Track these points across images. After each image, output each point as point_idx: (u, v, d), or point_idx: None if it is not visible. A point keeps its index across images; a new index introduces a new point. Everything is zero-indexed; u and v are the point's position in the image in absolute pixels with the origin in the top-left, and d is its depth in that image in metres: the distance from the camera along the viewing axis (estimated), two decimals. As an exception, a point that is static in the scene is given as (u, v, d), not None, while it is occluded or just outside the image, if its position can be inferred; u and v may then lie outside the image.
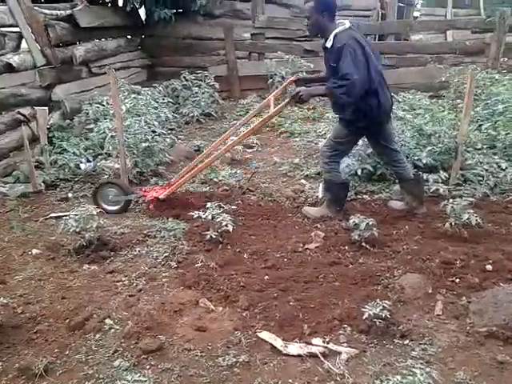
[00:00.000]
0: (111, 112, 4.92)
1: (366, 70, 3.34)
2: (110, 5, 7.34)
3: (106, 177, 4.34)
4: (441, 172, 4.19)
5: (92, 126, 4.88)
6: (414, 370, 2.15)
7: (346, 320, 2.52)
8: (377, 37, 10.79)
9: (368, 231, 3.26)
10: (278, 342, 2.34)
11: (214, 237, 3.25)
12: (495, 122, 4.84)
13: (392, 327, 2.47)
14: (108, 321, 2.49)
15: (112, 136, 4.35)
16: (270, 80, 7.76)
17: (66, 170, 4.46)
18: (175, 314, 2.58)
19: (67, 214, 3.79)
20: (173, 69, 8.45)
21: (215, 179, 4.40)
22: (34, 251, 3.25)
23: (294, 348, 2.31)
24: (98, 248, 3.21)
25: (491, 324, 2.47)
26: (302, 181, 4.54)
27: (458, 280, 2.91)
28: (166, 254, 3.16)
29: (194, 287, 2.80)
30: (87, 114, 5.21)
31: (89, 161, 4.69)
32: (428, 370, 2.16)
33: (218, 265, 3.04)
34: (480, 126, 5.05)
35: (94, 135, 4.68)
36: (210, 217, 3.22)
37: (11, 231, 3.60)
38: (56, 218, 3.83)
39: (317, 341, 2.37)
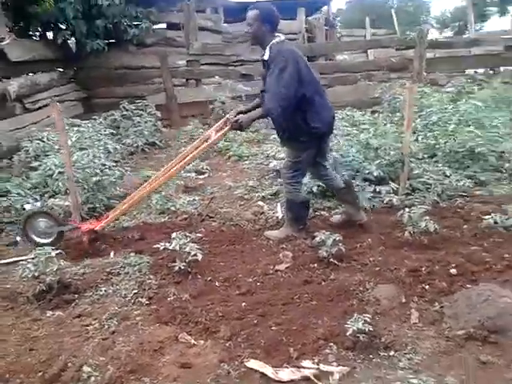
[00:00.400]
0: (55, 147, 4.72)
1: (298, 83, 3.36)
2: (39, 38, 7.09)
3: (34, 207, 4.12)
4: (391, 183, 4.36)
5: (34, 163, 4.63)
6: (410, 380, 2.17)
7: (331, 338, 2.52)
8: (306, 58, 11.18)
9: (335, 247, 3.30)
10: (268, 370, 2.29)
11: (182, 268, 3.16)
12: (433, 132, 5.10)
13: (375, 340, 2.49)
14: (86, 368, 2.32)
15: (60, 172, 4.14)
16: (211, 106, 7.79)
17: (12, 213, 4.18)
18: (156, 352, 2.46)
19: (19, 259, 3.55)
20: (109, 100, 8.32)
21: (172, 208, 4.29)
22: (-13, 303, 3.01)
23: (285, 374, 2.26)
24: (59, 292, 3.01)
25: (468, 326, 2.55)
26: (260, 203, 4.53)
27: (427, 286, 3.00)
28: (135, 291, 3.02)
29: (170, 323, 2.69)
30: (27, 151, 4.95)
31: (36, 200, 4.44)
32: (425, 378, 2.19)
33: (192, 296, 2.95)
34: (418, 136, 5.31)
35: (38, 173, 4.44)
36: (177, 247, 3.13)
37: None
38: (6, 264, 3.58)
39: (307, 363, 2.34)
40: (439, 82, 9.06)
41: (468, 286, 2.95)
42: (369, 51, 13.89)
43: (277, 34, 3.53)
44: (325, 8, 16.58)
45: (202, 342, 2.55)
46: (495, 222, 3.64)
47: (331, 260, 3.31)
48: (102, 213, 4.26)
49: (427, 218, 3.54)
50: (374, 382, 2.22)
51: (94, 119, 6.26)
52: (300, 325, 2.64)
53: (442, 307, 2.80)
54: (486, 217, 3.71)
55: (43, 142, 5.07)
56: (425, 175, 4.51)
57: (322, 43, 10.93)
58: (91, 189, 4.18)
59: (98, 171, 4.24)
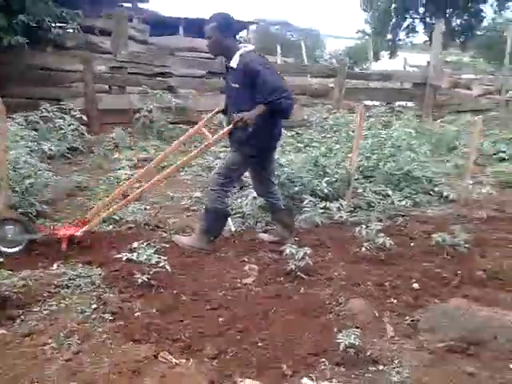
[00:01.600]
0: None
1: None
2: None
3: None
4: (340, 200, 4.42)
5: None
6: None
7: (321, 354, 2.41)
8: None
9: (303, 260, 3.23)
10: (266, 389, 2.12)
11: (145, 280, 2.86)
12: (372, 154, 5.29)
13: (361, 354, 2.43)
14: (57, 396, 1.97)
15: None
16: (138, 114, 7.42)
17: None
18: (135, 374, 2.15)
19: None
20: (23, 100, 7.56)
21: (115, 217, 3.93)
22: None
23: (288, 392, 2.11)
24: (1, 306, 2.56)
25: (447, 339, 2.59)
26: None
27: (395, 301, 3.02)
28: (94, 306, 2.66)
29: (144, 340, 2.39)
30: None
31: None
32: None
33: (160, 311, 2.67)
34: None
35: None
36: (142, 257, 2.83)
37: None
38: None
39: (306, 380, 2.20)
40: (355, 109, 9.57)
41: (434, 300, 3.02)
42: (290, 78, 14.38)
43: (243, 44, 3.52)
44: (243, 32, 17.00)
45: (184, 361, 2.29)
46: (443, 241, 3.81)
47: (298, 273, 3.22)
48: (33, 219, 3.78)
49: (382, 234, 3.63)
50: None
51: (12, 118, 5.60)
52: (285, 340, 2.49)
53: (413, 321, 2.82)
54: (434, 235, 3.87)
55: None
56: (366, 194, 4.65)
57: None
58: (22, 192, 3.68)
59: (31, 173, 3.75)
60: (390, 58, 30.45)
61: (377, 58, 29.81)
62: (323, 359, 2.37)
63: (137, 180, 3.76)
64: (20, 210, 3.64)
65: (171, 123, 7.71)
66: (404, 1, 25.84)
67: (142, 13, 9.94)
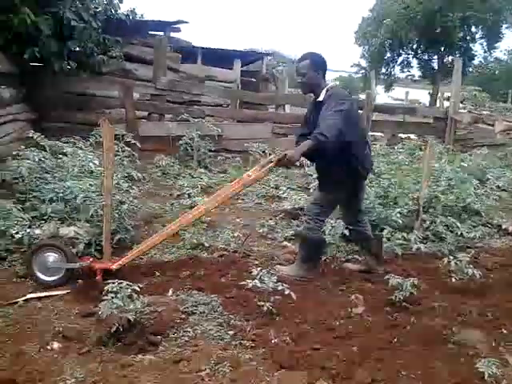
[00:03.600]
0: (55, 169, 4.17)
1: (352, 126, 3.44)
2: (4, 49, 6.36)
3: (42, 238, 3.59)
4: (414, 231, 4.51)
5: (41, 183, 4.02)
6: None
7: (466, 383, 2.45)
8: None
9: (407, 291, 3.28)
10: (436, 417, 2.15)
11: (268, 308, 2.89)
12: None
13: (498, 384, 2.48)
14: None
15: (86, 197, 3.63)
16: (180, 142, 7.52)
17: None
18: (300, 401, 2.19)
19: (49, 294, 3.03)
20: (62, 124, 7.65)
21: (206, 244, 3.97)
22: (55, 345, 2.46)
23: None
24: (140, 333, 2.58)
25: None
26: (285, 243, 4.39)
27: (504, 331, 3.09)
28: (232, 333, 2.69)
29: (294, 367, 2.43)
30: (20, 174, 4.28)
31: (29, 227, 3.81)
32: None
33: (292, 339, 2.70)
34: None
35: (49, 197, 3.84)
36: (269, 285, 2.88)
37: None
38: (38, 298, 3.00)
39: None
40: (379, 141, 9.77)
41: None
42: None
43: (328, 81, 3.65)
44: (258, 63, 17.33)
45: (340, 388, 2.33)
46: (526, 273, 3.90)
47: (403, 304, 3.27)
48: (129, 245, 3.81)
49: (471, 266, 3.70)
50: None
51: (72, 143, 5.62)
52: (424, 370, 2.54)
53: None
54: (512, 267, 3.95)
55: (35, 162, 4.45)
56: (436, 226, 4.74)
57: (287, 94, 11.24)
58: (118, 218, 3.71)
59: (125, 199, 3.80)
60: (386, 91, 31.31)
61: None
62: (470, 390, 2.41)
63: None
64: (119, 236, 3.67)
65: (210, 151, 7.80)
66: (399, 37, 26.66)
67: (173, 42, 10.14)
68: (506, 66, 32.97)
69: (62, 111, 7.74)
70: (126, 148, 6.21)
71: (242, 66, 14.84)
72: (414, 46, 28.55)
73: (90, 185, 3.71)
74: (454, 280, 3.66)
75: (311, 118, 3.67)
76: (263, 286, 2.90)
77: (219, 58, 15.38)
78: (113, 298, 2.50)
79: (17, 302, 2.95)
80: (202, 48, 15.01)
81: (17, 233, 3.70)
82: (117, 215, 3.67)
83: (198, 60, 14.86)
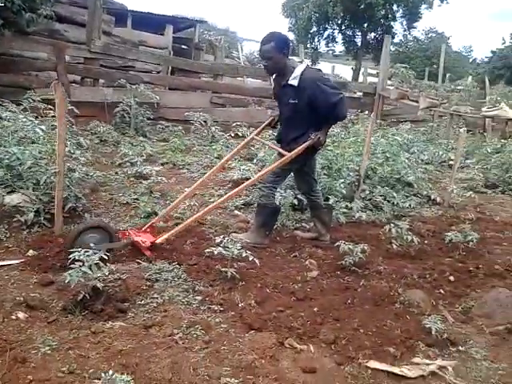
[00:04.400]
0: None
1: None
2: None
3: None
4: (356, 201, 4.77)
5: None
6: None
7: (415, 337, 2.69)
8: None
9: (357, 256, 3.51)
10: (395, 368, 2.37)
11: (232, 274, 2.98)
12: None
13: (442, 337, 2.75)
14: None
15: (34, 164, 3.45)
16: (118, 108, 7.26)
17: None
18: (273, 359, 2.31)
19: (7, 263, 2.91)
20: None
21: (159, 212, 3.94)
22: (20, 314, 2.38)
23: (413, 371, 2.37)
24: (107, 300, 2.56)
25: (505, 322, 3.00)
26: (236, 212, 4.47)
27: (442, 291, 3.41)
28: (199, 298, 2.75)
29: (263, 329, 2.54)
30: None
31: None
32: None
33: (257, 302, 2.82)
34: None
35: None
36: (233, 251, 2.95)
37: None
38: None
39: (417, 360, 2.48)
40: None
41: (468, 290, 3.42)
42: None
43: (296, 59, 3.71)
44: (189, 30, 16.90)
45: (305, 346, 2.48)
46: (456, 239, 4.27)
47: (353, 268, 3.49)
48: (81, 214, 3.70)
49: (410, 233, 4.01)
50: (474, 374, 2.45)
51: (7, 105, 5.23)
52: (377, 327, 2.75)
53: (463, 308, 3.20)
54: (448, 234, 4.32)
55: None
56: (375, 196, 5.04)
57: (222, 64, 11.07)
58: (68, 186, 3.58)
59: (75, 166, 3.66)
60: (312, 65, 31.96)
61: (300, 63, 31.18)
62: (418, 342, 2.66)
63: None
64: (70, 205, 3.55)
65: (149, 119, 7.62)
66: (325, 12, 27.19)
67: (106, 3, 9.63)
68: (423, 46, 34.71)
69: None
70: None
71: (173, 33, 14.45)
72: (340, 22, 29.20)
73: (39, 152, 3.51)
74: (394, 246, 3.95)
75: (279, 98, 3.78)
76: (228, 253, 2.97)
77: (149, 22, 14.84)
78: (80, 266, 2.45)
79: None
80: (132, 11, 14.38)
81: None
82: (68, 183, 3.54)
83: (127, 24, 14.24)
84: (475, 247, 4.18)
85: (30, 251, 3.12)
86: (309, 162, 3.87)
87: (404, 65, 11.67)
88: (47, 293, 2.68)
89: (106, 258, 2.62)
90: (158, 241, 3.20)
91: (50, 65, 7.65)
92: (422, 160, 7.65)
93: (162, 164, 5.86)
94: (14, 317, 2.37)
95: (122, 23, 13.98)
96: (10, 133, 3.90)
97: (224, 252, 2.96)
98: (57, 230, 3.38)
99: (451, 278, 3.62)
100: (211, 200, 4.62)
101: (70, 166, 3.72)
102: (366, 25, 28.35)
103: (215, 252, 2.97)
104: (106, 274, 2.55)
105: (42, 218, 3.47)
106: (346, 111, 3.70)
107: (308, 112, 3.60)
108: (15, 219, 3.41)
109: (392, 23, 28.77)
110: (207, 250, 3.08)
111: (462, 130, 5.74)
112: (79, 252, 2.53)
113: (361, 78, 23.77)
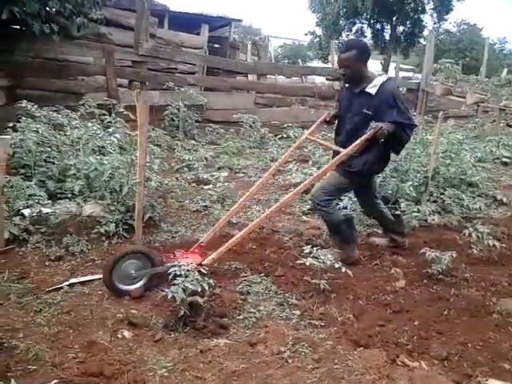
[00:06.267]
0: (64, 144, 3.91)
1: None
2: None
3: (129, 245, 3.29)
4: (427, 204, 4.61)
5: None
6: None
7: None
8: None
9: (443, 264, 3.37)
10: (515, 387, 2.24)
11: (325, 286, 2.89)
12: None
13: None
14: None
15: (112, 173, 3.43)
16: (167, 111, 7.25)
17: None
18: (386, 378, 2.21)
19: (94, 277, 2.89)
20: (39, 92, 7.15)
21: (232, 220, 3.89)
22: (126, 333, 2.35)
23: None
24: (207, 316, 2.51)
25: None
26: (304, 217, 4.38)
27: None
28: (297, 312, 2.67)
29: (370, 345, 2.45)
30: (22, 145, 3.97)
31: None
32: None
33: (355, 316, 2.72)
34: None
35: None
36: (326, 263, 2.86)
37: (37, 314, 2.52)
38: (80, 283, 2.85)
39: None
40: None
41: None
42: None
43: (378, 71, 3.53)
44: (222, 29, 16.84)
45: (417, 363, 2.37)
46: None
47: (440, 276, 3.36)
48: (158, 226, 3.66)
49: (491, 237, 3.84)
50: None
51: (56, 111, 5.22)
52: (484, 340, 2.63)
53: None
54: (526, 237, 4.14)
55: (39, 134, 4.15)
56: (444, 198, 4.88)
57: (265, 63, 11.00)
58: (146, 195, 3.54)
59: (149, 175, 3.62)
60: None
61: (327, 60, 30.90)
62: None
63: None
64: (149, 214, 3.52)
65: (197, 121, 7.59)
66: (355, 6, 26.81)
67: (151, 5, 9.64)
68: (455, 38, 33.92)
69: (37, 78, 7.21)
70: (119, 119, 5.90)
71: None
72: (369, 16, 28.76)
73: (117, 161, 3.48)
74: (475, 251, 3.80)
75: (347, 105, 3.52)
76: (320, 264, 2.87)
77: (182, 22, 14.82)
78: (183, 281, 2.40)
79: (61, 288, 2.78)
80: (169, 11, 14.40)
81: (32, 212, 3.49)
82: (145, 193, 3.50)
83: (164, 24, 14.25)
84: (558, 250, 3.99)
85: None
86: (367, 181, 3.63)
87: (449, 60, 11.34)
88: (144, 308, 2.64)
89: (205, 272, 2.55)
90: (205, 262, 2.86)
91: (98, 69, 7.67)
92: (476, 157, 7.40)
93: (219, 168, 5.80)
94: (119, 335, 2.33)
95: (160, 24, 14.03)
96: (82, 142, 3.89)
97: (316, 263, 2.86)
98: (137, 241, 3.33)
99: (539, 282, 3.46)
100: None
101: (147, 175, 3.67)
102: (394, 18, 27.83)
103: (307, 263, 2.87)
104: (206, 288, 2.48)
105: (121, 229, 3.44)
106: (410, 136, 3.41)
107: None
108: (95, 230, 3.39)
109: (421, 16, 28.17)
110: (298, 262, 2.99)
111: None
112: (178, 267, 2.48)
113: (391, 73, 23.39)
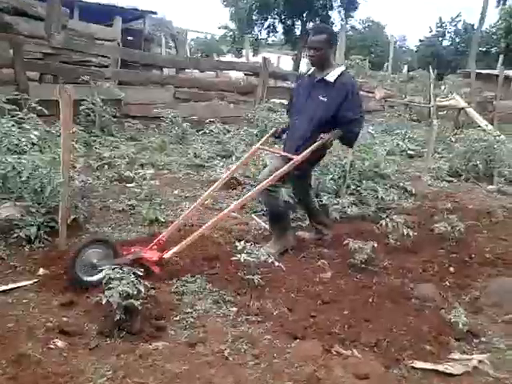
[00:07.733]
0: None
1: None
2: None
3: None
4: (346, 196, 4.84)
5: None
6: None
7: (443, 333, 2.77)
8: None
9: (365, 254, 3.57)
10: (439, 367, 2.44)
11: (259, 281, 2.95)
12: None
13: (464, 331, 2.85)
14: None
15: (32, 172, 3.21)
16: (82, 106, 6.91)
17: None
18: (325, 368, 2.31)
19: (14, 286, 2.73)
20: None
21: (162, 219, 3.82)
22: (59, 343, 2.23)
23: (457, 368, 2.45)
24: (143, 319, 2.46)
25: (514, 310, 3.17)
26: (234, 214, 4.40)
27: (447, 283, 3.54)
28: (234, 309, 2.70)
29: (306, 337, 2.54)
30: None
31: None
32: None
33: (289, 309, 2.82)
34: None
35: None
36: (261, 258, 2.92)
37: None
38: (3, 292, 2.67)
39: (457, 355, 2.57)
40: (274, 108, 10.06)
41: (471, 281, 3.57)
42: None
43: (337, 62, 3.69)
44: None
45: (350, 352, 2.50)
46: (445, 229, 4.43)
47: (362, 266, 3.55)
48: (82, 226, 3.51)
49: (405, 226, 4.13)
50: (508, 365, 2.57)
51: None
52: (407, 324, 2.82)
53: (470, 298, 3.33)
54: (436, 225, 4.48)
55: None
56: (361, 190, 5.15)
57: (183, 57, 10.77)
58: (70, 195, 3.37)
59: (72, 173, 3.45)
60: (254, 55, 31.95)
61: (240, 54, 31.15)
62: (449, 338, 2.75)
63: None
64: (73, 216, 3.36)
65: (114, 117, 7.33)
66: (266, 0, 27.25)
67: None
68: (359, 35, 35.65)
69: None
70: (31, 114, 5.54)
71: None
72: (280, 11, 29.30)
73: (37, 160, 3.27)
74: (391, 240, 4.06)
75: (303, 92, 3.68)
76: (254, 260, 2.92)
77: (93, 13, 14.19)
78: (118, 285, 2.33)
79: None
80: (80, 1, 13.69)
81: None
82: (70, 193, 3.34)
83: (74, 15, 13.55)
84: (462, 237, 4.36)
85: (41, 270, 2.93)
86: (311, 167, 3.85)
87: (360, 56, 11.91)
88: (74, 315, 2.53)
89: (141, 274, 2.50)
90: (166, 255, 2.96)
91: (5, 61, 7.11)
92: (385, 150, 7.86)
93: (142, 165, 5.65)
94: (52, 346, 2.22)
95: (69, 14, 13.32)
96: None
97: (250, 259, 2.91)
98: (61, 245, 3.19)
99: (451, 269, 3.77)
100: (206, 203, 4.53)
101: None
102: (305, 14, 28.60)
103: (242, 259, 2.91)
104: (142, 290, 2.43)
105: (43, 232, 3.26)
106: (359, 131, 3.67)
107: (330, 117, 3.54)
108: (14, 235, 3.18)
109: (330, 13, 29.23)
110: (232, 258, 3.01)
111: (434, 121, 5.96)
112: (113, 270, 2.41)
113: (302, 68, 24.07)
